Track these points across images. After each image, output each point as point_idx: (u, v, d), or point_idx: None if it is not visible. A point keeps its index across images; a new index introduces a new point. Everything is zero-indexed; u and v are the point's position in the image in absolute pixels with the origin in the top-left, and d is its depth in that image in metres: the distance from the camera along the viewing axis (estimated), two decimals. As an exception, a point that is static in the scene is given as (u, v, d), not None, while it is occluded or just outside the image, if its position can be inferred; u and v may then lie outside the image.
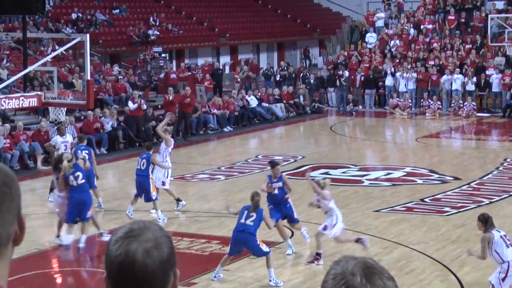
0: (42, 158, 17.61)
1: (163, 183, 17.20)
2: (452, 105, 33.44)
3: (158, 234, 2.06)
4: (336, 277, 1.88)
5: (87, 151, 17.31)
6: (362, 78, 35.76)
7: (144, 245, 2.03)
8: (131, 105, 26.37)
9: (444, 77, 33.92)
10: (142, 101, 26.61)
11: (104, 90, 29.73)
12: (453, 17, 38.32)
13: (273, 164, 15.13)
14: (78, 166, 14.69)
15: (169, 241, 2.07)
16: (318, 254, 13.84)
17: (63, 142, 18.29)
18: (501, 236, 10.96)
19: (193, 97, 28.55)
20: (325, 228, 13.68)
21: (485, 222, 11.06)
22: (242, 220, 12.69)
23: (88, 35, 17.95)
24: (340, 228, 13.82)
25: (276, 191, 14.61)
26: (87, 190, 14.82)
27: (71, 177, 14.43)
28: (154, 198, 16.45)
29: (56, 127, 20.29)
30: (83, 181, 14.52)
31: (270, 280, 12.69)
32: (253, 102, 32.04)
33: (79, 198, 14.39)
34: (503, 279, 10.95)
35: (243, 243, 12.72)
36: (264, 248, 12.72)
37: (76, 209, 14.38)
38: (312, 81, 35.87)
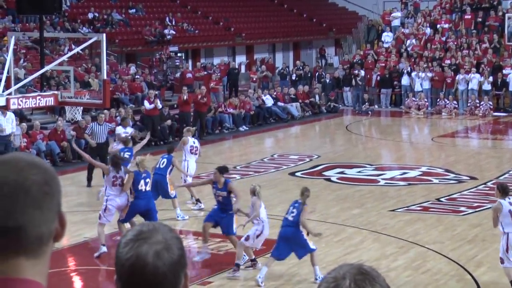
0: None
1: (185, 181, 17.50)
2: (469, 104, 33.30)
3: (167, 236, 2.06)
4: (328, 281, 1.93)
5: (129, 153, 17.24)
6: (378, 77, 35.68)
7: (154, 247, 2.03)
8: (147, 105, 26.42)
9: (459, 76, 33.78)
10: (158, 100, 26.65)
11: (120, 89, 29.82)
12: (469, 16, 38.14)
13: (220, 169, 14.28)
14: (148, 172, 14.65)
15: (179, 242, 2.07)
16: (237, 265, 13.12)
17: (124, 133, 18.51)
18: (509, 210, 11.52)
19: (209, 96, 28.57)
20: (247, 238, 13.05)
21: (502, 191, 11.66)
22: (287, 215, 12.71)
23: (104, 34, 18.01)
24: (261, 241, 13.13)
25: (220, 199, 13.92)
26: (151, 196, 14.72)
27: (142, 182, 14.26)
28: (173, 196, 16.58)
29: (120, 119, 20.73)
30: (149, 188, 14.45)
31: (316, 279, 12.58)
32: (269, 101, 32.04)
33: (145, 205, 14.24)
34: (507, 250, 11.55)
35: (290, 239, 12.55)
36: (311, 245, 12.60)
37: (134, 214, 14.28)
38: (327, 80, 35.83)
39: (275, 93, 32.97)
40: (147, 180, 14.44)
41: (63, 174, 21.05)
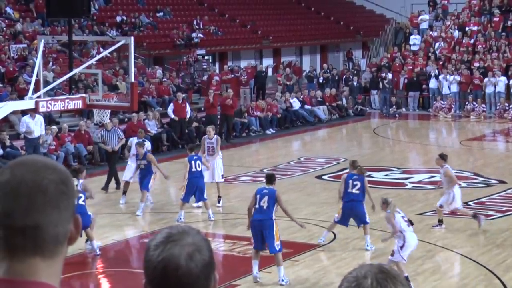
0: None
1: (223, 176, 18.20)
2: (497, 107, 33.04)
3: (197, 238, 2.07)
4: (350, 280, 1.94)
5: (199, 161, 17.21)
6: (406, 80, 35.52)
7: (186, 249, 2.03)
8: (170, 113, 26.51)
9: (486, 80, 33.51)
10: (188, 106, 26.77)
11: (147, 92, 29.96)
12: (498, 19, 37.87)
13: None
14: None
15: (208, 244, 2.08)
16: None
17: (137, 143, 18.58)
18: (402, 217, 13.11)
19: (236, 99, 28.59)
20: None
21: (386, 203, 13.18)
22: (350, 189, 13.81)
23: (132, 38, 18.10)
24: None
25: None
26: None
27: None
28: (206, 198, 16.73)
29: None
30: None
31: (367, 246, 14.15)
32: (296, 104, 32.01)
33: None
34: (402, 247, 12.84)
35: (352, 212, 14.41)
36: (367, 218, 13.97)
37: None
38: (355, 83, 35.74)
39: (302, 96, 32.96)
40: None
41: (91, 177, 21.18)
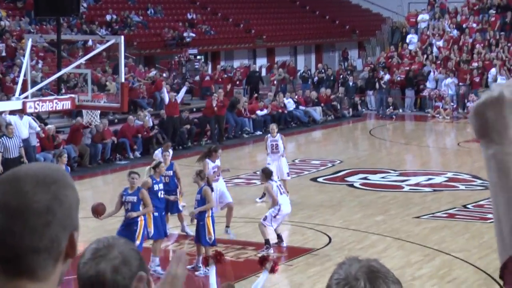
0: None
1: (288, 174, 18.40)
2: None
3: (124, 249, 2.10)
4: (340, 283, 1.87)
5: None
6: (399, 78, 35.43)
7: (112, 263, 2.06)
8: (166, 97, 26.56)
9: (491, 77, 33.44)
10: (174, 94, 26.77)
11: (138, 92, 29.89)
12: (494, 19, 37.95)
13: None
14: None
15: (137, 253, 2.11)
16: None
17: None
18: (277, 186, 14.73)
19: (226, 100, 28.49)
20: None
21: (268, 174, 14.74)
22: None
23: (122, 37, 18.06)
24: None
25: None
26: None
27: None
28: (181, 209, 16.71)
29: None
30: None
31: None
32: (290, 105, 31.99)
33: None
34: (275, 216, 14.62)
35: None
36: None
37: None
38: (351, 83, 35.72)
39: (296, 97, 32.93)
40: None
41: (80, 179, 21.11)
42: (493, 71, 34.07)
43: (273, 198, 14.82)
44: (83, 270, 2.09)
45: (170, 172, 15.85)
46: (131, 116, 25.23)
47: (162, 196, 14.63)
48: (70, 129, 24.40)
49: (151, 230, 13.68)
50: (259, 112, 30.19)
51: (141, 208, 13.29)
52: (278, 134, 18.41)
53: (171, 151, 17.41)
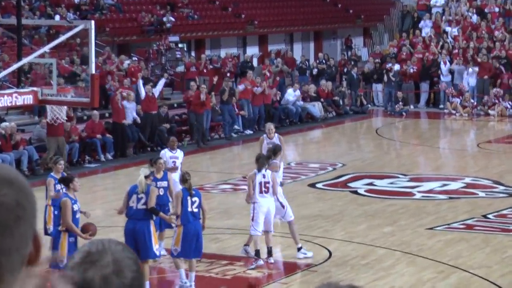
0: None
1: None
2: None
3: (119, 256, 2.05)
4: None
5: None
6: (412, 70, 35.51)
7: (102, 272, 2.02)
8: (142, 91, 26.49)
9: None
10: (151, 88, 26.71)
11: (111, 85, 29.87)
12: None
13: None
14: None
15: (133, 263, 2.06)
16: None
17: (171, 158, 17.61)
18: (261, 182, 14.84)
19: (209, 96, 28.44)
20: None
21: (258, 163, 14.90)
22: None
23: (93, 22, 18.05)
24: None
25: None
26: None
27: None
28: None
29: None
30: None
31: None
32: (290, 96, 31.88)
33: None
34: (253, 219, 14.91)
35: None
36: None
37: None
38: (355, 75, 35.76)
39: (299, 91, 32.87)
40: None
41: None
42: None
43: (248, 191, 15.14)
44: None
45: (165, 183, 15.37)
46: (96, 111, 25.19)
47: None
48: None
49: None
50: (255, 89, 30.11)
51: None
52: (276, 135, 18.31)
53: (179, 153, 17.30)
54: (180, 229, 13.85)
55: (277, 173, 17.01)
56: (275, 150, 15.76)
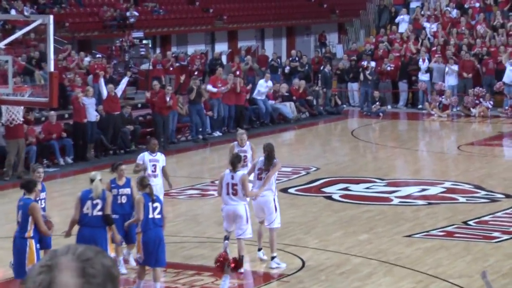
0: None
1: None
2: (509, 103, 33.27)
3: (95, 262, 2.04)
4: None
5: None
6: (389, 68, 35.62)
7: (70, 281, 2.05)
8: (104, 91, 26.34)
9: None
10: (112, 87, 26.57)
11: (71, 84, 29.73)
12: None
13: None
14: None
15: (108, 272, 2.05)
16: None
17: (151, 161, 17.00)
18: (228, 183, 15.09)
19: (174, 96, 28.36)
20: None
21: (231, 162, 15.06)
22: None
23: (51, 16, 17.91)
24: None
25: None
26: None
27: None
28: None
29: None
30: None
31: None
32: (261, 86, 31.80)
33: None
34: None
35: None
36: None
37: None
38: (328, 73, 35.74)
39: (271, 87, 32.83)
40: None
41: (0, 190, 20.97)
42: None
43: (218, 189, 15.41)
44: (36, 278, 2.06)
45: (127, 190, 15.10)
46: (53, 112, 25.05)
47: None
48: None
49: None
50: (212, 88, 29.96)
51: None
52: (248, 143, 18.21)
53: (159, 156, 17.04)
54: (140, 236, 13.81)
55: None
56: (233, 162, 15.31)
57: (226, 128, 30.33)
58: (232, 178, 15.08)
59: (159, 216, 13.89)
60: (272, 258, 15.32)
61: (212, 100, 29.96)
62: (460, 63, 34.40)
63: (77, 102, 25.68)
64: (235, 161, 15.15)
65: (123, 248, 15.31)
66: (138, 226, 13.88)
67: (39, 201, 14.16)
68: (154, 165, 16.86)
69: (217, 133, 29.91)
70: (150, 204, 13.84)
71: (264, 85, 32.18)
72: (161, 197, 16.54)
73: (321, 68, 36.60)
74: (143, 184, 14.00)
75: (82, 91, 26.30)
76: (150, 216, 13.82)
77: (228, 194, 15.11)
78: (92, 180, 13.97)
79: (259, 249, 15.66)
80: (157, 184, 16.60)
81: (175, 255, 16.21)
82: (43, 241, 13.73)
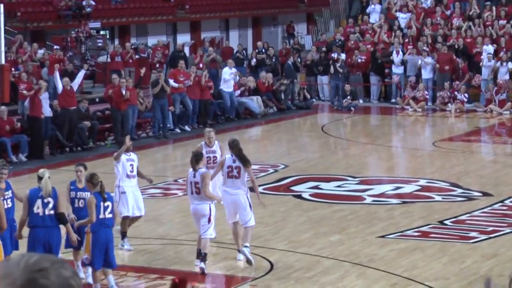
0: None
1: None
2: (486, 97, 33.48)
3: (58, 273, 2.07)
4: None
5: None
6: (360, 60, 35.72)
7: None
8: (59, 85, 26.19)
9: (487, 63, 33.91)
10: (68, 80, 26.42)
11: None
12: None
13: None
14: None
15: (68, 284, 2.07)
16: None
17: (128, 161, 16.79)
18: (191, 182, 15.09)
19: (134, 90, 28.26)
20: None
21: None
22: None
23: (1, 5, 17.88)
24: None
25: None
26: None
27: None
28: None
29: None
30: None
31: None
32: (226, 74, 31.74)
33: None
34: None
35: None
36: None
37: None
38: (291, 64, 35.71)
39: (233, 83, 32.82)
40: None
41: None
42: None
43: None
44: None
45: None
46: (4, 107, 24.91)
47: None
48: None
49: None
50: (174, 83, 29.82)
51: None
52: (217, 143, 18.23)
53: (134, 156, 16.92)
54: (89, 236, 13.76)
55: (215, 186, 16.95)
56: (192, 161, 15.33)
57: (191, 124, 30.22)
58: (194, 176, 15.12)
59: (110, 216, 13.87)
60: (246, 246, 15.40)
61: (174, 94, 29.86)
62: (438, 56, 34.52)
63: (36, 96, 25.49)
64: (194, 160, 15.19)
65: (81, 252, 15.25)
66: (88, 226, 13.85)
67: (5, 201, 14.07)
68: (132, 165, 16.75)
69: (178, 130, 29.79)
70: (101, 203, 13.81)
71: (228, 72, 32.05)
72: (141, 198, 16.65)
73: (292, 59, 36.63)
74: (94, 182, 13.89)
75: (26, 88, 26.19)
76: (101, 216, 13.79)
77: (192, 193, 15.15)
78: (40, 178, 13.84)
79: (239, 250, 15.68)
80: (134, 186, 16.66)
81: (136, 258, 16.20)
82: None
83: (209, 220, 15.08)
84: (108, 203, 13.88)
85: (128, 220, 16.62)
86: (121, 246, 16.30)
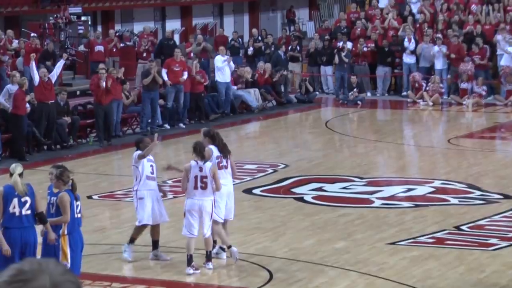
0: None
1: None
2: (506, 89, 33.49)
3: (59, 279, 2.07)
4: None
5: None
6: (367, 49, 35.71)
7: None
8: (36, 78, 26.09)
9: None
10: (45, 71, 26.38)
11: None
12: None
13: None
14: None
15: (75, 285, 2.10)
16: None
17: (148, 161, 16.64)
18: (195, 177, 15.43)
19: (119, 85, 28.18)
20: None
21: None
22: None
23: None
24: None
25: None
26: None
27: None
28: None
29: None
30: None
31: None
32: (219, 61, 31.62)
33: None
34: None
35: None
36: None
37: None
38: (281, 54, 35.71)
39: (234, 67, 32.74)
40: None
41: None
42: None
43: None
44: None
45: None
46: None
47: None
48: None
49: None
50: (166, 76, 29.70)
51: None
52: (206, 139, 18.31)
53: (151, 157, 16.95)
54: (66, 238, 13.65)
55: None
56: (199, 151, 15.67)
57: (182, 119, 30.15)
58: (201, 170, 15.23)
59: (79, 216, 13.86)
60: (222, 248, 16.01)
61: (167, 87, 29.59)
62: (450, 46, 34.46)
63: (21, 94, 25.35)
64: (199, 150, 15.57)
65: None
66: (63, 228, 13.69)
67: None
68: (152, 166, 16.65)
69: (167, 125, 29.70)
70: (74, 202, 13.75)
71: (221, 60, 31.75)
72: (161, 201, 16.63)
73: (291, 48, 36.63)
74: (65, 179, 13.73)
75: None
76: (75, 216, 13.76)
77: (196, 188, 15.29)
78: (11, 174, 13.76)
79: (229, 246, 15.96)
80: (154, 189, 16.64)
81: (122, 267, 16.18)
82: None
83: (211, 217, 15.52)
84: (78, 202, 13.87)
85: (143, 228, 16.49)
86: (123, 250, 16.26)
